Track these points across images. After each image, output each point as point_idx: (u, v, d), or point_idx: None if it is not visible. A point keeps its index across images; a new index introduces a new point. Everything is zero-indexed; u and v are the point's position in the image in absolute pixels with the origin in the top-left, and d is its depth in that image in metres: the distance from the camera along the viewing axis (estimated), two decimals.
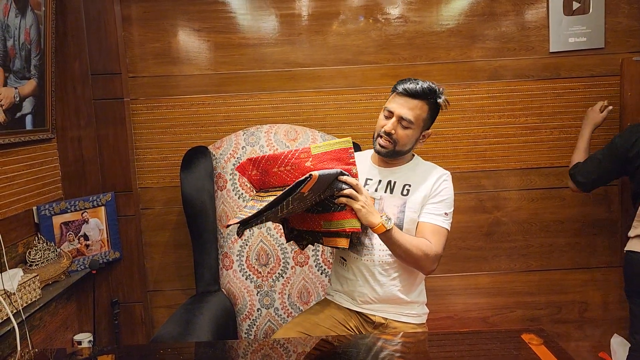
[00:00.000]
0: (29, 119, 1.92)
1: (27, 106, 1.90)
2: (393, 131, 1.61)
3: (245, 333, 2.07)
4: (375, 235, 1.62)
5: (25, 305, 1.69)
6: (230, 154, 2.10)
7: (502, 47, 2.31)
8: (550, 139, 2.35)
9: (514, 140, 2.34)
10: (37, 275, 1.75)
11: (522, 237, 2.39)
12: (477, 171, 2.36)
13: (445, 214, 1.64)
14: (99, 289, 2.24)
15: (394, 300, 1.66)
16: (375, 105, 2.28)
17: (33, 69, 1.93)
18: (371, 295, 1.67)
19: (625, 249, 1.93)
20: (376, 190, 1.69)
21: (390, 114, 1.62)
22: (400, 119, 1.60)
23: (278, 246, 2.06)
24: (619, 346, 2.31)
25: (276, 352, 1.42)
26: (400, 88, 1.62)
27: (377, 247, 1.65)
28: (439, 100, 1.63)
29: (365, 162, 1.76)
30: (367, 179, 1.71)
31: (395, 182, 1.68)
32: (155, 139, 2.32)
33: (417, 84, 1.60)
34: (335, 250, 1.80)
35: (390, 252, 1.60)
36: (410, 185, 1.67)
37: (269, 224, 2.06)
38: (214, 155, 2.12)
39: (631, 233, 1.92)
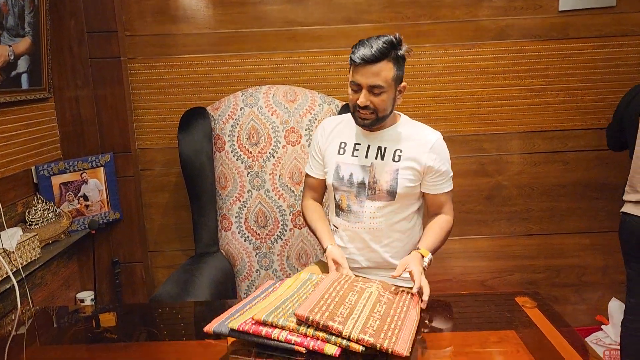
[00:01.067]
0: (24, 77, 1.90)
1: (22, 65, 1.88)
2: (368, 102, 1.53)
3: (244, 293, 2.10)
4: (366, 203, 1.62)
5: (25, 264, 1.71)
6: (228, 115, 2.08)
7: (509, 6, 2.23)
8: (556, 102, 2.30)
9: (518, 102, 2.30)
10: (37, 235, 1.77)
11: (523, 201, 2.38)
12: (479, 134, 2.32)
13: (450, 177, 1.66)
14: (100, 249, 2.27)
15: (386, 265, 1.66)
16: None
17: (27, 26, 1.89)
18: (363, 262, 1.67)
19: (621, 210, 1.92)
20: (366, 156, 1.64)
21: (358, 87, 1.53)
22: (370, 87, 1.51)
23: (277, 208, 2.06)
24: (616, 310, 2.32)
25: None
26: (357, 59, 1.49)
27: (368, 215, 1.63)
28: (400, 53, 1.52)
29: (349, 125, 1.69)
30: (355, 144, 1.66)
31: (385, 148, 1.63)
32: (154, 100, 2.29)
33: (372, 47, 1.47)
34: (328, 215, 1.79)
35: (381, 220, 1.61)
36: (401, 151, 1.62)
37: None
38: (212, 117, 2.10)
39: (625, 197, 1.91)
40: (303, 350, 1.14)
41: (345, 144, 1.67)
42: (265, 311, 1.21)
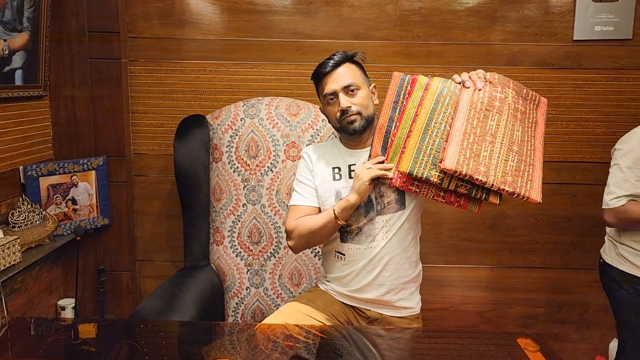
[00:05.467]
0: (18, 73, 1.83)
1: (17, 60, 1.81)
2: (350, 104, 1.54)
3: (232, 311, 2.01)
4: (376, 219, 1.54)
5: (3, 268, 1.63)
6: (228, 125, 2.01)
7: (523, 32, 2.18)
8: (566, 132, 2.23)
9: None
10: (18, 238, 1.69)
11: (527, 232, 2.30)
12: None
13: None
14: (86, 256, 2.19)
15: (391, 301, 1.58)
16: (385, 84, 2.16)
17: (26, 21, 1.83)
18: (371, 292, 1.58)
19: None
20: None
21: (333, 95, 1.56)
22: (345, 88, 1.55)
23: (272, 224, 1.98)
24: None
25: (262, 337, 1.35)
26: (322, 72, 1.57)
27: (380, 230, 1.55)
28: (356, 58, 1.62)
29: (334, 150, 1.66)
30: (349, 166, 1.60)
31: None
32: (153, 104, 2.22)
33: (329, 60, 1.57)
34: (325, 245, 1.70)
35: (393, 233, 1.54)
36: None
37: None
38: (212, 126, 2.03)
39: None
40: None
41: (339, 168, 1.61)
42: (408, 159, 1.35)
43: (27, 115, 1.94)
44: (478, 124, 1.34)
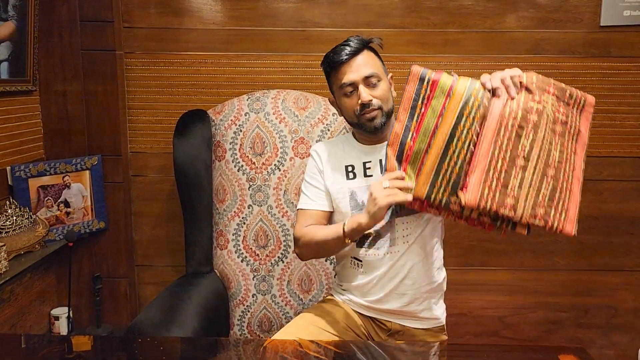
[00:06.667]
0: (4, 66, 1.70)
1: (2, 52, 1.68)
2: (371, 97, 1.38)
3: (238, 320, 1.88)
4: (396, 222, 1.41)
5: None
6: (231, 120, 1.87)
7: (546, 17, 2.03)
8: (593, 125, 2.00)
9: None
10: (4, 245, 1.55)
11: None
12: None
13: None
14: (81, 262, 2.05)
15: (418, 305, 1.45)
16: (399, 75, 2.00)
17: (11, 9, 1.69)
18: (392, 301, 1.45)
19: None
20: (382, 172, 1.43)
21: (352, 86, 1.40)
22: (365, 79, 1.39)
23: (279, 227, 1.85)
24: None
25: (273, 353, 1.21)
26: (337, 60, 1.41)
27: (401, 234, 1.42)
28: (373, 44, 1.47)
29: (345, 146, 1.52)
30: (364, 163, 1.46)
31: None
32: (151, 99, 2.09)
33: (345, 47, 1.41)
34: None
35: (414, 237, 1.41)
36: None
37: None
38: (214, 121, 1.89)
39: None
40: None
41: (352, 167, 1.47)
42: (426, 182, 1.19)
43: (15, 111, 1.81)
44: (509, 145, 1.15)
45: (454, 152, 1.19)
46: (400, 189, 1.23)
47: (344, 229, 1.33)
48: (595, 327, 2.21)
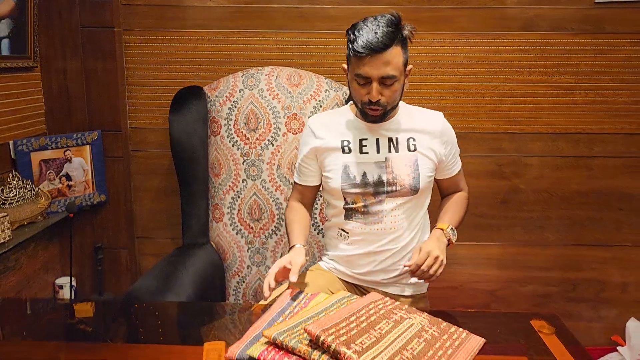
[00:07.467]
0: (5, 43, 1.74)
1: (2, 29, 1.72)
2: (380, 96, 1.37)
3: (233, 290, 1.95)
4: (386, 201, 1.46)
5: None
6: (226, 96, 1.91)
7: None
8: (585, 102, 2.10)
9: (543, 100, 2.10)
10: (7, 215, 1.62)
11: (540, 208, 2.19)
12: (498, 132, 2.14)
13: (459, 152, 1.62)
14: (83, 233, 2.12)
15: (401, 274, 1.51)
16: None
17: None
18: (377, 275, 1.52)
19: None
20: (378, 151, 1.48)
21: (366, 80, 1.36)
22: (382, 79, 1.35)
23: (273, 201, 1.90)
24: (635, 331, 2.15)
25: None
26: (361, 49, 1.31)
27: (389, 213, 1.47)
28: (405, 34, 1.37)
29: (343, 120, 1.53)
30: (361, 140, 1.49)
31: (397, 139, 1.48)
32: (149, 76, 2.13)
33: (376, 32, 1.31)
34: (326, 210, 1.62)
35: (402, 217, 1.47)
36: (414, 139, 1.48)
37: None
38: (209, 97, 1.93)
39: None
40: None
41: (348, 142, 1.50)
42: (279, 328, 1.02)
43: (17, 87, 1.86)
44: (369, 319, 1.07)
45: (321, 316, 1.12)
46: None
47: (295, 244, 1.44)
48: (584, 301, 2.25)
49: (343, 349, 0.93)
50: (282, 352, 1.00)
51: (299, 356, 0.98)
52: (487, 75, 2.09)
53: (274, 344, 1.01)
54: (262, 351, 1.01)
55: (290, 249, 1.44)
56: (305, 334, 1.00)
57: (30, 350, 1.16)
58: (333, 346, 0.94)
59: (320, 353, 0.96)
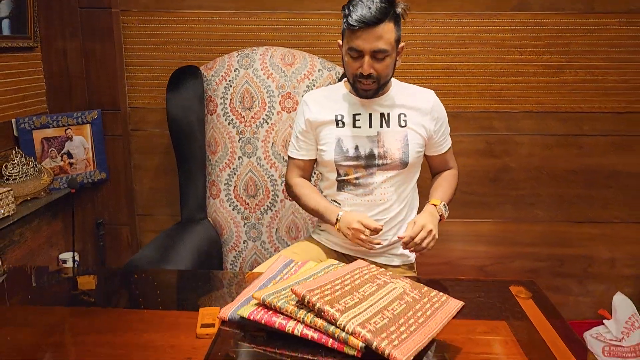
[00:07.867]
0: (5, 23, 1.79)
1: (3, 9, 1.77)
2: (371, 70, 1.42)
3: (230, 264, 2.02)
4: (377, 173, 1.52)
5: None
6: (222, 76, 1.96)
7: None
8: (575, 81, 2.14)
9: (534, 80, 2.14)
10: (11, 190, 1.68)
11: (530, 185, 2.24)
12: (489, 111, 2.18)
13: (449, 131, 1.65)
14: (84, 209, 2.19)
15: (390, 244, 1.57)
16: None
17: None
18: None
19: None
20: (370, 125, 1.53)
21: (358, 53, 1.41)
22: (373, 53, 1.40)
23: (268, 177, 1.96)
24: (621, 305, 2.21)
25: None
26: (355, 22, 1.36)
27: (379, 185, 1.53)
28: (398, 11, 1.41)
29: (337, 95, 1.59)
30: (354, 115, 1.54)
31: (388, 114, 1.53)
32: (147, 56, 2.17)
33: (370, 7, 1.35)
34: (320, 183, 1.68)
35: (391, 189, 1.53)
36: (405, 115, 1.54)
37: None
38: (205, 77, 1.98)
39: None
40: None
41: (342, 116, 1.55)
42: (268, 291, 1.09)
43: (18, 67, 1.91)
44: (354, 282, 1.13)
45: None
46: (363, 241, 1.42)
47: (338, 220, 1.48)
48: (572, 276, 2.32)
49: (327, 307, 1.00)
50: (270, 312, 1.06)
51: (286, 315, 1.04)
52: (478, 55, 2.13)
53: (263, 305, 1.07)
54: (251, 311, 1.07)
55: (337, 221, 1.48)
56: (293, 296, 1.06)
57: (36, 315, 1.22)
58: (318, 305, 1.00)
59: (305, 312, 1.02)
